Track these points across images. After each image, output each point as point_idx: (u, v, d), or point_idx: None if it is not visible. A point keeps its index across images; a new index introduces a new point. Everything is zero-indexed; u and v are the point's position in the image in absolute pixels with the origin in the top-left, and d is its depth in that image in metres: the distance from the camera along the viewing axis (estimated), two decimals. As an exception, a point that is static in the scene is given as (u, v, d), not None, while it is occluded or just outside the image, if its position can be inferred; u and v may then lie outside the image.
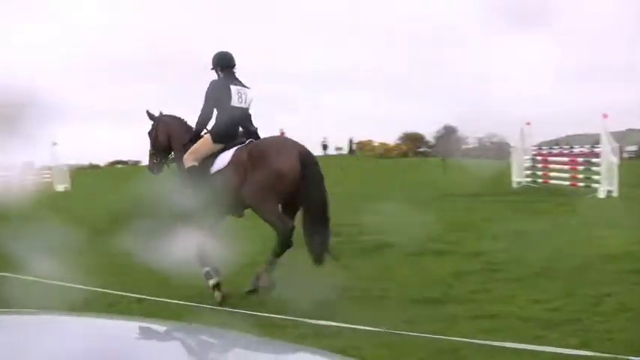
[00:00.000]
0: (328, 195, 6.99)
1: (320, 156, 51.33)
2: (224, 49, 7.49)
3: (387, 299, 6.79)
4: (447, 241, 9.87)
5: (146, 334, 2.22)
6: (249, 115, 7.42)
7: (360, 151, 59.67)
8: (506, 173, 20.93)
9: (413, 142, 56.91)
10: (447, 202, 16.07)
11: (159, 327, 2.42)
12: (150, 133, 7.96)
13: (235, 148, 7.08)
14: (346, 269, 8.24)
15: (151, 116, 7.97)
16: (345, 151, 62.66)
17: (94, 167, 75.18)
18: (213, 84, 7.22)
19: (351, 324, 5.31)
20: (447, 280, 7.55)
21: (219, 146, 7.14)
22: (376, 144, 58.45)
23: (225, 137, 7.16)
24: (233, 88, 7.15)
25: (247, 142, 7.17)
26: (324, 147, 60.38)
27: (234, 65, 7.36)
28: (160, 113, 7.97)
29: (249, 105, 7.33)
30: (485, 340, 4.89)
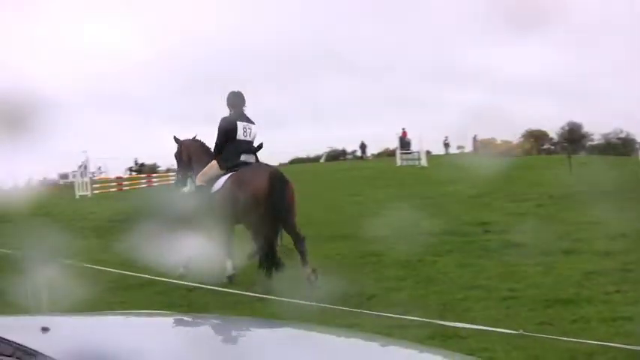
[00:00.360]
0: (295, 209, 8.00)
1: (441, 155, 50.78)
2: (236, 90, 8.61)
3: (515, 299, 6.51)
4: (576, 240, 9.41)
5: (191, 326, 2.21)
6: (253, 147, 8.43)
7: (483, 149, 58.39)
8: (634, 169, 19.93)
9: (536, 139, 55.21)
10: (574, 200, 15.43)
11: (201, 320, 2.39)
12: (175, 155, 9.23)
13: (230, 173, 8.16)
14: (472, 269, 8.03)
15: (176, 140, 9.19)
16: (467, 149, 61.57)
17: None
18: (223, 120, 8.40)
19: (480, 325, 5.11)
20: (577, 280, 7.16)
21: (224, 171, 8.24)
22: (499, 142, 57.04)
23: (228, 164, 8.23)
24: (239, 124, 8.27)
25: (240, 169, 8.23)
26: (446, 145, 59.55)
27: (244, 104, 8.51)
28: (195, 137, 9.12)
29: (253, 138, 8.41)
30: (621, 343, 4.59)
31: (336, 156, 69.04)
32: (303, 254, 7.72)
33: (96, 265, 7.15)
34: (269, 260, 7.69)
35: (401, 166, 38.13)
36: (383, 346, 2.18)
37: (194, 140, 9.07)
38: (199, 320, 2.54)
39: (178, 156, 9.17)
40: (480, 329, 4.66)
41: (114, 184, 33.70)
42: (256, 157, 8.49)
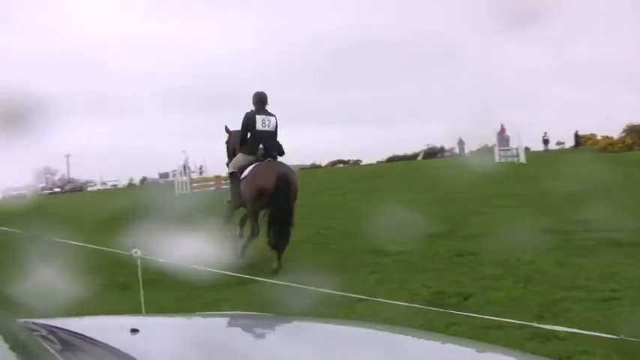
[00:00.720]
0: (294, 206, 9.20)
1: (540, 151, 49.29)
2: (260, 90, 9.79)
3: (616, 300, 6.23)
4: (681, 238, 8.95)
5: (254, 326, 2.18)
6: (273, 136, 9.61)
7: (583, 145, 56.46)
8: None
9: (639, 134, 52.74)
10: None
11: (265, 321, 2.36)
12: (225, 143, 10.54)
13: (255, 164, 9.35)
14: (572, 268, 7.77)
15: (227, 130, 10.51)
16: (567, 145, 59.75)
17: (315, 167, 77.64)
18: (245, 114, 9.61)
19: (579, 326, 4.92)
20: (682, 280, 6.82)
21: (249, 158, 9.50)
22: (599, 137, 54.96)
23: (251, 152, 9.50)
24: (258, 117, 9.47)
25: (266, 160, 9.41)
26: (545, 142, 58.01)
27: (265, 102, 9.66)
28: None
29: (272, 128, 9.57)
30: None
31: (434, 153, 68.31)
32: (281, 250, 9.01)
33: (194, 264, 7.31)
34: (276, 244, 8.95)
35: (499, 162, 37.34)
36: (480, 352, 2.11)
37: (237, 131, 10.04)
38: (287, 321, 2.51)
39: (227, 145, 10.50)
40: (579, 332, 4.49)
41: (212, 182, 34.04)
42: (273, 146, 9.62)
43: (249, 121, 9.56)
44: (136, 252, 5.26)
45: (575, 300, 6.31)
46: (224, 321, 2.44)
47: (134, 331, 1.93)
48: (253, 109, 9.66)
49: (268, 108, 9.72)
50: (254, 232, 9.31)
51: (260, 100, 9.68)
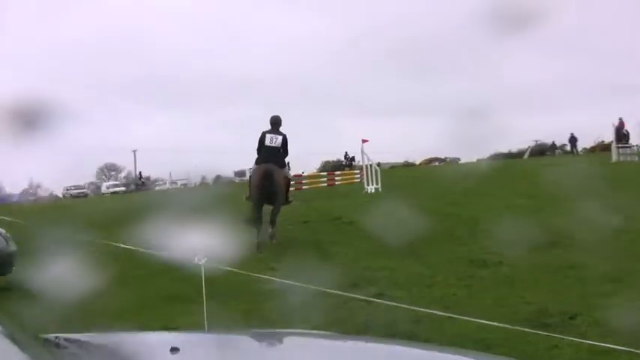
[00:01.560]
0: (278, 192, 12.11)
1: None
2: (275, 114, 12.78)
3: None
4: None
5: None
6: (277, 151, 12.41)
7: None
8: None
9: None
10: None
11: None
12: None
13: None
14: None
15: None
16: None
17: (408, 165, 76.76)
18: (261, 132, 12.52)
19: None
20: None
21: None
22: None
23: (260, 162, 12.40)
24: (267, 135, 12.42)
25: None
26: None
27: (278, 124, 12.68)
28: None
29: (277, 145, 12.38)
30: None
31: (542, 151, 66.40)
32: (273, 221, 12.17)
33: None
34: (257, 223, 11.80)
35: (617, 162, 35.32)
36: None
37: None
38: (343, 340, 2.34)
39: None
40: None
41: (292, 182, 33.80)
42: (276, 158, 12.38)
43: (261, 139, 12.54)
44: (199, 260, 5.15)
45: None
46: (274, 339, 2.32)
47: (174, 349, 1.86)
48: (269, 128, 12.59)
49: (281, 129, 12.65)
50: (257, 221, 11.88)
51: (274, 122, 12.70)
